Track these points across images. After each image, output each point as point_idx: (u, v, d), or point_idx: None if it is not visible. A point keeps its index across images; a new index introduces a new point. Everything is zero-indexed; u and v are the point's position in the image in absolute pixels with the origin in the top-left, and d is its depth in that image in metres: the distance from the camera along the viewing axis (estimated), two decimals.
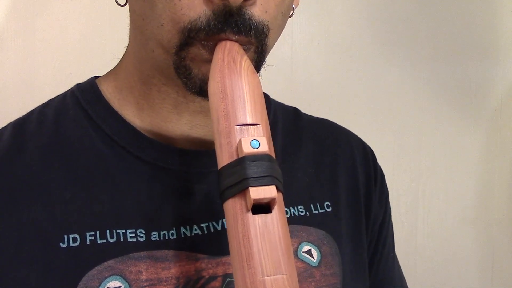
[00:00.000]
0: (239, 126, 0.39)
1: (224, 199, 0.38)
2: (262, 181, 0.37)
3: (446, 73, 1.12)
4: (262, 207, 0.37)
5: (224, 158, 0.39)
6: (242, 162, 0.37)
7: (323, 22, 1.01)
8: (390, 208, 0.64)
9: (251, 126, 0.39)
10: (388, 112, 1.08)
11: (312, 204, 0.55)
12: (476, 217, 1.18)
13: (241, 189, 0.37)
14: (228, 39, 0.43)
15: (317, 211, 0.54)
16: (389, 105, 1.08)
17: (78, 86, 0.53)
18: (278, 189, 0.38)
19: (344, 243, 0.55)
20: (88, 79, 0.54)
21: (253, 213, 0.37)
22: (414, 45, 1.08)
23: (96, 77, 0.54)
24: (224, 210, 0.39)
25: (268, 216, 0.37)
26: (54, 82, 0.81)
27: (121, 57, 0.54)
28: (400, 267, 0.66)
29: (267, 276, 0.36)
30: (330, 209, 0.55)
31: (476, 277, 1.19)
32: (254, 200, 0.36)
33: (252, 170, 0.37)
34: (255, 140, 0.38)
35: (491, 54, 1.16)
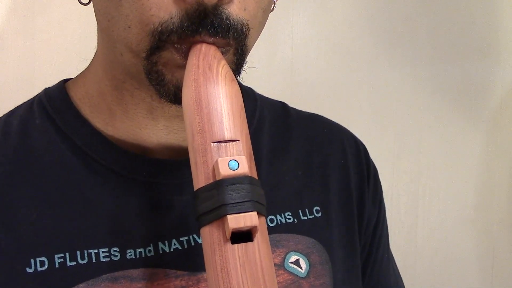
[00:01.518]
0: (216, 143, 0.35)
1: (201, 225, 0.35)
2: (241, 208, 0.34)
3: (446, 73, 1.12)
4: (242, 235, 0.34)
5: (199, 179, 0.35)
6: (219, 186, 0.34)
7: (323, 22, 1.01)
8: (384, 206, 0.61)
9: (230, 143, 0.36)
10: (388, 112, 1.08)
11: (300, 210, 0.51)
12: (476, 217, 1.18)
13: (218, 216, 0.34)
14: (203, 41, 0.39)
15: (305, 217, 0.51)
16: (389, 105, 1.08)
17: (46, 91, 0.50)
18: (260, 214, 0.35)
19: (335, 250, 0.52)
20: (57, 83, 0.50)
21: (232, 242, 0.34)
22: (414, 45, 1.08)
23: (66, 80, 0.51)
24: (201, 237, 0.36)
25: (249, 245, 0.34)
26: (54, 82, 0.81)
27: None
28: (395, 267, 0.64)
29: None
30: (319, 214, 0.52)
31: (476, 277, 1.19)
32: (233, 229, 0.33)
33: (230, 195, 0.34)
34: (234, 160, 0.35)
35: (491, 54, 1.16)
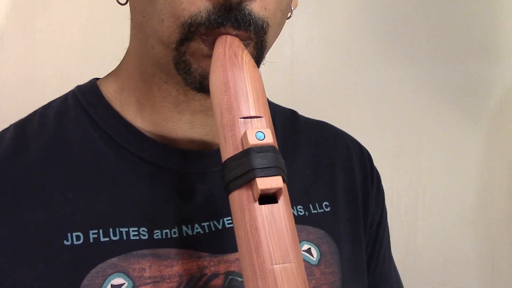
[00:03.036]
0: (242, 119, 0.39)
1: (229, 191, 0.38)
2: (268, 172, 0.37)
3: (446, 73, 1.12)
4: (268, 198, 0.38)
5: (228, 151, 0.39)
6: (248, 153, 0.38)
7: (323, 22, 1.01)
8: (386, 210, 0.64)
9: (255, 119, 0.39)
10: (388, 112, 1.08)
11: (311, 204, 0.55)
12: (476, 217, 1.18)
13: (247, 180, 0.37)
14: (227, 33, 0.43)
15: (316, 211, 0.55)
16: (389, 105, 1.08)
17: (79, 87, 0.54)
18: (283, 180, 0.38)
19: (343, 243, 0.55)
20: (89, 81, 0.54)
21: (260, 203, 0.37)
22: (414, 45, 1.08)
23: (97, 79, 0.55)
24: (230, 202, 0.39)
25: (274, 206, 0.38)
26: (54, 82, 0.81)
27: (121, 57, 0.54)
28: (396, 268, 0.67)
29: (276, 264, 0.36)
30: (328, 209, 0.56)
31: (476, 277, 1.19)
32: (261, 190, 0.37)
33: (258, 161, 0.37)
34: (260, 132, 0.38)
35: (491, 54, 1.16)
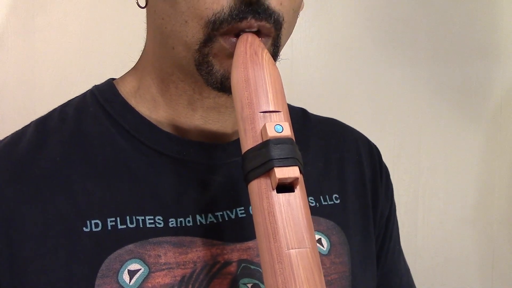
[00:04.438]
0: (262, 113, 0.41)
1: (249, 180, 0.40)
2: (286, 162, 0.39)
3: (446, 73, 1.12)
4: (285, 187, 0.40)
5: (248, 142, 0.41)
6: (267, 145, 0.39)
7: (323, 22, 1.01)
8: (395, 204, 0.66)
9: (274, 113, 0.41)
10: (388, 112, 1.08)
11: (321, 196, 0.57)
12: (476, 217, 1.18)
13: (266, 169, 0.39)
14: (250, 26, 0.45)
15: (326, 203, 0.56)
16: (389, 105, 1.08)
17: (96, 86, 0.56)
18: (300, 171, 0.40)
19: (353, 234, 0.57)
20: (105, 81, 0.57)
21: (278, 192, 0.39)
22: (414, 45, 1.08)
23: (113, 79, 0.57)
24: (249, 191, 0.41)
25: (291, 195, 0.40)
26: (54, 82, 0.81)
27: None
28: (405, 261, 0.68)
29: (292, 249, 0.38)
30: (338, 201, 0.57)
31: (476, 277, 1.19)
32: (279, 179, 0.38)
33: (277, 152, 0.39)
34: (279, 125, 0.40)
35: (491, 54, 1.16)
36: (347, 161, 0.61)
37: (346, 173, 0.60)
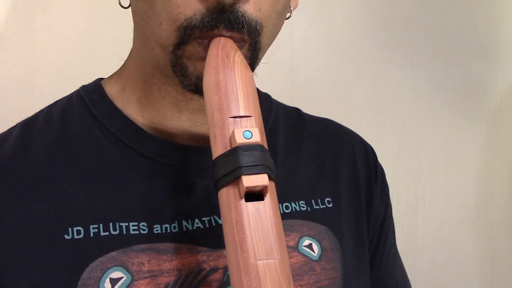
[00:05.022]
0: (232, 118, 0.40)
1: (218, 188, 0.40)
2: (254, 170, 0.38)
3: (446, 73, 1.12)
4: (254, 195, 0.39)
5: (218, 149, 0.40)
6: (235, 152, 0.39)
7: (323, 22, 1.01)
8: (391, 205, 0.64)
9: (244, 118, 0.41)
10: (388, 112, 1.08)
11: (313, 200, 0.55)
12: (476, 217, 1.18)
13: (234, 177, 0.38)
14: (221, 35, 0.44)
15: (318, 207, 0.55)
16: (389, 105, 1.08)
17: (83, 87, 0.55)
18: (270, 178, 0.39)
19: (345, 239, 0.56)
20: (93, 81, 0.55)
21: (246, 200, 0.38)
22: (414, 45, 1.08)
23: (101, 79, 0.56)
24: (219, 199, 0.40)
25: (260, 203, 0.39)
26: (54, 82, 0.81)
27: (122, 56, 0.55)
28: (402, 264, 0.67)
29: (260, 260, 0.37)
30: (331, 205, 0.56)
31: (476, 277, 1.19)
32: (247, 188, 0.38)
33: (245, 159, 0.38)
34: (248, 131, 0.39)
35: (491, 54, 1.16)
36: (341, 163, 0.59)
37: (340, 176, 0.59)
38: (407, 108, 1.09)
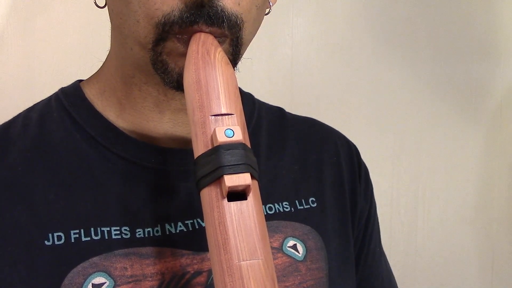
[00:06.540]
0: (213, 116, 0.40)
1: (200, 187, 0.39)
2: (236, 169, 0.37)
3: (446, 73, 1.12)
4: (237, 195, 0.38)
5: (199, 148, 0.39)
6: (216, 151, 0.38)
7: (323, 22, 1.01)
8: (375, 203, 0.64)
9: (226, 116, 0.40)
10: (388, 112, 1.08)
11: (297, 200, 0.55)
12: (476, 217, 1.18)
13: (216, 177, 0.37)
14: (201, 31, 0.43)
15: (302, 207, 0.55)
16: (389, 105, 1.08)
17: (62, 89, 0.54)
18: (253, 177, 0.38)
19: (330, 238, 0.55)
20: (72, 83, 0.55)
21: (229, 200, 0.38)
22: (414, 45, 1.08)
23: (80, 81, 0.55)
24: (201, 199, 0.39)
25: (243, 203, 0.38)
26: (54, 82, 0.81)
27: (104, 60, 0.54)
28: (387, 262, 0.67)
29: (243, 261, 0.36)
30: (315, 205, 0.56)
31: (476, 277, 1.19)
32: (229, 187, 0.37)
33: (227, 158, 0.37)
34: (229, 129, 0.39)
35: (491, 54, 1.16)
36: (325, 162, 0.59)
37: (324, 175, 0.58)
38: (407, 108, 1.09)
